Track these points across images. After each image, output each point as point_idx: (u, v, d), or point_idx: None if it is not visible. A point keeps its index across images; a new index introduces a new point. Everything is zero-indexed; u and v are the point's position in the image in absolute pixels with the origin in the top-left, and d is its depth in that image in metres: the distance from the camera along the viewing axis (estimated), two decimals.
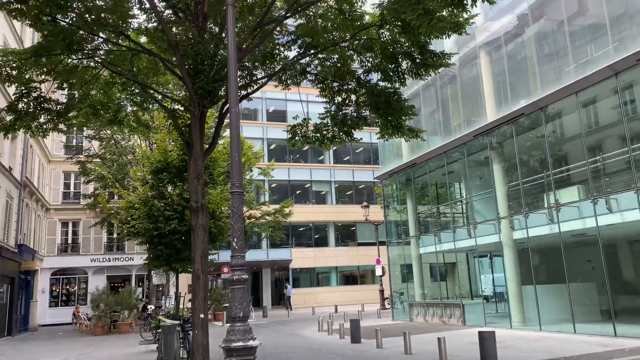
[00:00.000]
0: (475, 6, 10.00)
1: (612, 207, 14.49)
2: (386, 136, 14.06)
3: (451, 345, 13.56)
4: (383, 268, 31.89)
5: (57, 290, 35.16)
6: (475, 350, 11.24)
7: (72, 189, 36.53)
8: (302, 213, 39.91)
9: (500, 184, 18.86)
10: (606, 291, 15.11)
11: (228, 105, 10.22)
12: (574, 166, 17.26)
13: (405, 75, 13.21)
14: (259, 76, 13.94)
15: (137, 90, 13.87)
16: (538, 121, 17.42)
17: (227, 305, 24.61)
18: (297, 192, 43.11)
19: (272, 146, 42.52)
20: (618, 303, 17.44)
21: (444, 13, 10.54)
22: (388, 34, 12.65)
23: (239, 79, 11.98)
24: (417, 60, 12.63)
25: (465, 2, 9.69)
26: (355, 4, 12.45)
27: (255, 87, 13.65)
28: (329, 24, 12.92)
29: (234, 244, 7.14)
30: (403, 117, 13.45)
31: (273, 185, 40.91)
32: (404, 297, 25.90)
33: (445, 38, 12.05)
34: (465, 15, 11.15)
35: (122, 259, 36.00)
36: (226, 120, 13.45)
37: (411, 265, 24.56)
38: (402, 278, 26.92)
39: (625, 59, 13.80)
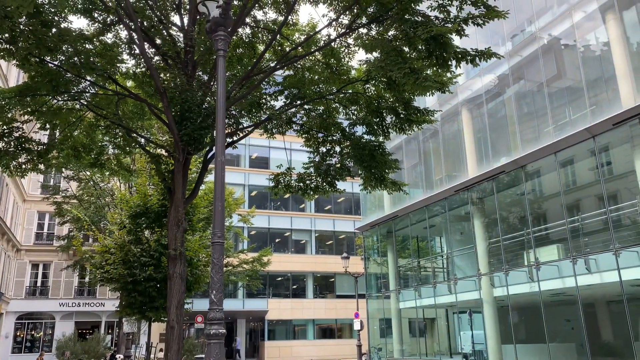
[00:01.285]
0: (459, 67, 10.29)
1: (590, 268, 14.57)
2: (369, 188, 14.09)
3: None
4: (361, 322, 31.26)
5: (22, 335, 33.57)
6: None
7: (45, 230, 35.58)
8: (280, 262, 39.32)
9: (480, 240, 18.91)
10: (585, 352, 14.98)
11: (212, 152, 10.17)
12: (553, 225, 17.45)
13: (390, 130, 13.40)
14: (245, 124, 13.99)
15: (120, 134, 13.78)
16: (518, 179, 17.70)
17: (200, 356, 23.71)
18: (277, 240, 42.62)
19: (254, 193, 42.33)
20: None
21: (429, 72, 10.82)
22: (373, 89, 12.90)
23: (225, 127, 11.99)
24: (402, 116, 12.83)
25: (450, 63, 9.96)
26: (343, 59, 12.74)
27: (241, 135, 13.68)
28: (316, 77, 13.16)
29: (213, 297, 6.90)
30: (386, 170, 13.53)
31: (252, 232, 40.43)
32: (382, 353, 25.31)
33: (429, 95, 12.34)
34: (449, 75, 11.46)
35: (92, 304, 34.73)
36: (210, 166, 13.39)
37: (390, 319, 24.16)
38: (380, 333, 26.40)
39: (601, 122, 14.23)
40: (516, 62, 18.13)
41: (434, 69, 10.56)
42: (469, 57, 9.90)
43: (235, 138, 13.45)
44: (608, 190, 15.13)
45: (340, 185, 14.98)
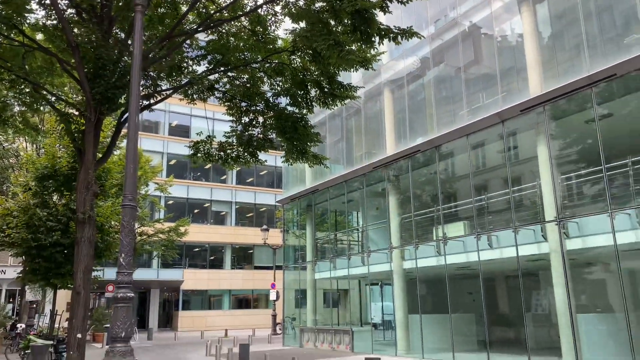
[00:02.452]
0: (382, 44, 10.52)
1: (492, 244, 15.63)
2: (291, 160, 14.17)
3: None
4: (277, 293, 31.73)
5: None
6: None
7: None
8: (199, 233, 38.77)
9: (394, 215, 19.67)
10: (483, 322, 16.17)
11: (127, 114, 9.77)
12: (461, 203, 18.49)
13: (314, 103, 13.50)
14: (163, 87, 13.52)
15: (27, 90, 12.86)
16: (432, 159, 18.50)
17: (109, 325, 23.05)
18: (195, 211, 41.87)
19: (172, 162, 41.15)
20: (493, 334, 18.69)
21: (354, 47, 10.98)
22: (299, 60, 12.89)
23: (142, 88, 11.53)
24: (326, 90, 12.96)
25: (373, 39, 10.15)
26: (269, 27, 12.58)
27: (159, 98, 13.21)
28: (241, 44, 12.92)
29: (122, 260, 6.74)
30: (309, 143, 13.67)
31: (170, 202, 39.41)
32: (296, 322, 25.88)
33: (353, 71, 12.53)
34: (372, 52, 11.68)
35: None
36: (124, 131, 12.84)
37: (305, 290, 24.68)
38: (295, 303, 26.93)
39: (510, 108, 15.14)
40: (437, 46, 18.76)
41: (359, 44, 10.72)
42: (392, 35, 10.14)
43: (152, 101, 12.98)
44: (513, 173, 16.20)
45: (263, 157, 14.93)
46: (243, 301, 42.96)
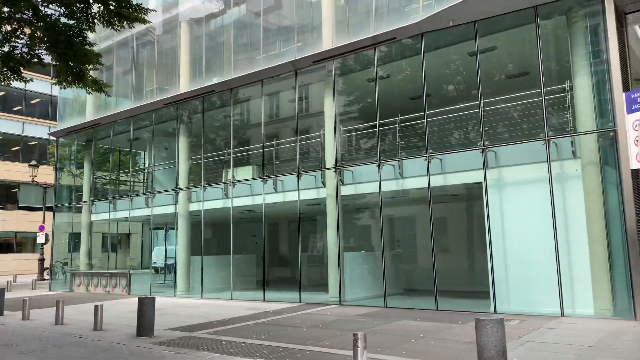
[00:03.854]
0: None
1: (277, 188, 16.23)
2: (65, 84, 12.41)
3: (110, 314, 12.98)
4: (47, 235, 28.55)
5: None
6: (134, 317, 10.96)
7: None
8: None
9: (184, 157, 19.05)
10: (262, 262, 16.91)
11: None
12: (252, 147, 18.76)
13: (96, 20, 11.92)
14: None
15: None
16: (227, 102, 18.24)
17: None
18: None
19: None
20: (272, 273, 19.76)
21: None
22: None
23: None
24: (111, 7, 11.53)
25: None
26: None
27: None
28: None
29: None
30: (87, 65, 12.11)
31: None
32: (67, 267, 23.74)
33: None
34: None
35: None
36: None
37: (80, 233, 22.65)
38: (68, 247, 24.60)
39: (304, 58, 15.60)
40: None
41: None
42: None
43: None
44: (302, 123, 16.91)
45: (36, 86, 12.80)
46: (4, 245, 37.74)
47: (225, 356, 8.17)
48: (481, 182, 12.28)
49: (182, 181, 18.86)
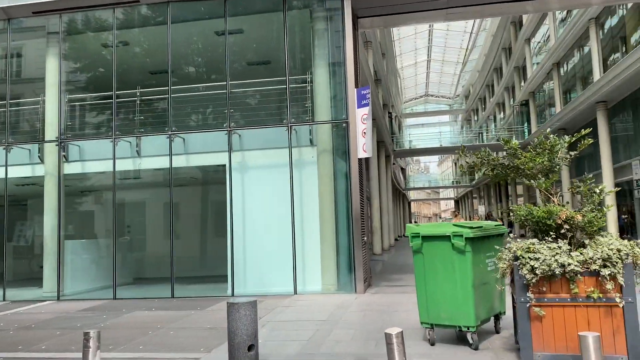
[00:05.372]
0: None
1: None
2: None
3: None
4: None
5: None
6: None
7: None
8: None
9: None
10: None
11: None
12: None
13: None
14: None
15: None
16: None
17: None
18: None
19: None
20: None
21: None
22: None
23: None
24: None
25: None
26: None
27: None
28: None
29: None
30: None
31: None
32: None
33: None
34: None
35: None
36: None
37: None
38: None
39: (21, 6, 12.88)
40: None
41: None
42: None
43: None
44: (15, 84, 13.96)
45: None
46: None
47: None
48: (225, 165, 12.05)
49: None
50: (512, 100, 41.85)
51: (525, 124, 38.34)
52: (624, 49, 20.71)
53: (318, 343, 6.83)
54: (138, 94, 13.25)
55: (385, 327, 7.56)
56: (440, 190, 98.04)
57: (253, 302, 6.03)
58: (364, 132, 10.92)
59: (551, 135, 5.76)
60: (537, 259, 5.02)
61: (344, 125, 11.56)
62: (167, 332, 8.06)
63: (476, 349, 6.03)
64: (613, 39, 21.85)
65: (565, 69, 28.28)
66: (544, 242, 5.26)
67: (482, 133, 51.97)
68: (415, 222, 64.31)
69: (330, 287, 11.43)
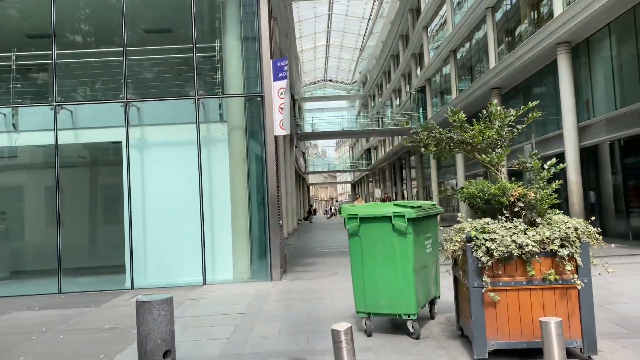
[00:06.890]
0: None
1: None
2: None
3: None
4: None
5: None
6: None
7: None
8: None
9: None
10: None
11: None
12: None
13: None
14: None
15: None
16: None
17: None
18: None
19: None
20: None
21: None
22: None
23: None
24: None
25: None
26: None
27: None
28: None
29: None
30: None
31: None
32: None
33: None
34: None
35: None
36: None
37: None
38: None
39: None
40: None
41: None
42: None
43: None
44: None
45: None
46: None
47: None
48: (121, 142, 10.65)
49: None
50: (408, 86, 43.05)
51: (421, 110, 39.62)
52: (517, 38, 21.75)
53: (241, 341, 6.02)
54: (14, 57, 11.29)
55: (313, 318, 6.93)
56: (337, 174, 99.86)
57: (168, 298, 5.04)
58: (281, 108, 10.12)
59: (499, 107, 5.40)
60: (493, 240, 4.62)
61: (258, 99, 10.66)
62: (55, 337, 6.78)
63: (417, 338, 5.59)
64: (507, 28, 22.88)
65: (461, 55, 29.35)
66: (498, 221, 4.88)
67: (380, 118, 53.16)
68: (312, 206, 64.62)
69: (243, 275, 10.59)
